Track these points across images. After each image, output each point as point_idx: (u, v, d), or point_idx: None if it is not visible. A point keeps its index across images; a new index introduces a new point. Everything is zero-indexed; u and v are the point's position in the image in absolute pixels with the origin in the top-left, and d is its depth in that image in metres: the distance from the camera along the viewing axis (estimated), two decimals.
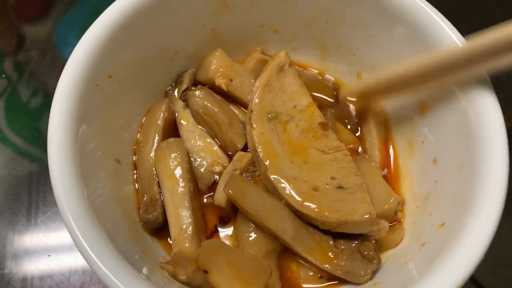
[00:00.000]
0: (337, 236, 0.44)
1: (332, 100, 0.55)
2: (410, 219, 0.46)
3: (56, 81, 0.67)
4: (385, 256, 0.45)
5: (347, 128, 0.53)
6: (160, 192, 0.46)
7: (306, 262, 0.44)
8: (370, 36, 0.51)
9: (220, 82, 0.50)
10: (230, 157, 0.48)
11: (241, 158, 0.46)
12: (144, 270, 0.38)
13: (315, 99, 0.51)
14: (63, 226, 0.55)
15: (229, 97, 0.52)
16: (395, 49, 0.49)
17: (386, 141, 0.52)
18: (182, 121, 0.50)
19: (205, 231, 0.46)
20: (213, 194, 0.47)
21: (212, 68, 0.51)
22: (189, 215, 0.43)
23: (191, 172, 0.47)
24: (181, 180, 0.45)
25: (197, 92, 0.49)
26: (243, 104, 0.52)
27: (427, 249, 0.40)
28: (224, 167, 0.47)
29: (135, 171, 0.49)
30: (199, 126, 0.50)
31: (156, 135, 0.49)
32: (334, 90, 0.55)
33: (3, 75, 0.67)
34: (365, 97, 0.52)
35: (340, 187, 0.43)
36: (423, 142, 0.48)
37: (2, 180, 0.59)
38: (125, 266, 0.35)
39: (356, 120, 0.54)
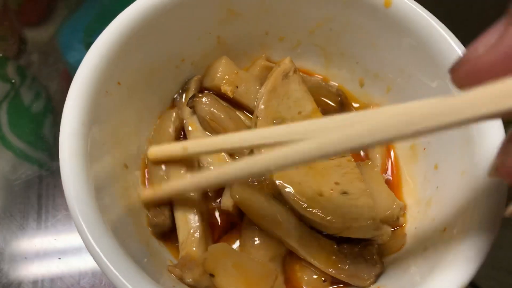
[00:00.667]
0: (341, 240, 0.44)
1: (334, 105, 0.56)
2: (412, 224, 0.47)
3: (58, 85, 0.69)
4: (388, 260, 0.45)
5: None
6: None
7: (310, 266, 0.44)
8: (373, 45, 0.52)
9: (226, 89, 0.51)
10: None
11: None
12: (153, 273, 0.38)
13: (319, 104, 0.52)
14: (73, 229, 0.56)
15: (234, 104, 0.53)
16: (398, 58, 0.50)
17: (387, 146, 0.53)
18: (189, 128, 0.51)
19: (212, 235, 0.47)
20: (220, 199, 0.47)
21: (218, 75, 0.52)
22: (197, 219, 0.44)
23: None
24: None
25: (204, 99, 0.50)
26: (248, 110, 0.53)
27: (429, 254, 0.41)
28: None
29: (146, 177, 0.49)
30: (206, 132, 0.51)
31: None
32: (338, 95, 0.56)
33: (6, 79, 0.68)
34: None
35: (344, 193, 0.44)
36: (424, 148, 0.49)
37: (11, 184, 0.60)
38: (135, 269, 0.35)
39: None
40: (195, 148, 0.44)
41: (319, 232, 0.44)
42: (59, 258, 0.55)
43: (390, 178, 0.52)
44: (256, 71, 0.55)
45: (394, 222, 0.47)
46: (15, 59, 0.70)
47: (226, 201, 0.45)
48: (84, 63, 0.42)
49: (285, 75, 0.50)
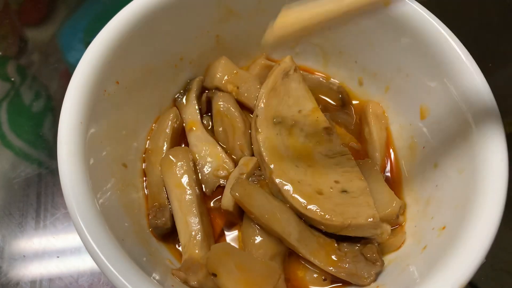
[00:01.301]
0: (341, 239, 0.44)
1: (335, 104, 0.56)
2: (411, 223, 0.47)
3: (58, 85, 0.69)
4: (387, 259, 0.45)
5: (348, 132, 0.54)
6: (168, 198, 0.47)
7: (310, 265, 0.44)
8: (371, 44, 0.52)
9: (232, 88, 0.51)
10: (235, 163, 0.49)
11: (247, 163, 0.47)
12: (152, 272, 0.38)
13: (319, 102, 0.52)
14: (72, 228, 0.56)
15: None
16: (396, 57, 0.50)
17: (387, 145, 0.53)
18: (193, 128, 0.51)
19: (213, 235, 0.47)
20: (219, 199, 0.47)
21: (218, 76, 0.52)
22: (198, 221, 0.44)
23: (198, 179, 0.48)
24: (188, 187, 0.46)
25: (222, 94, 0.51)
26: (249, 110, 0.53)
27: (428, 252, 0.41)
28: (229, 172, 0.48)
29: (144, 178, 0.50)
30: (207, 133, 0.51)
31: (165, 143, 0.50)
32: (339, 93, 0.56)
33: (6, 79, 0.68)
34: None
35: (344, 191, 0.44)
36: (423, 147, 0.49)
37: (11, 182, 0.60)
38: (134, 268, 0.35)
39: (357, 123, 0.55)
40: None
41: (319, 230, 0.44)
42: (58, 257, 0.55)
43: (390, 176, 0.52)
44: (256, 70, 0.55)
45: (394, 220, 0.47)
46: (16, 59, 0.70)
47: (227, 201, 0.45)
48: (82, 62, 0.42)
49: (286, 74, 0.50)
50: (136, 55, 0.47)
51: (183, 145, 0.52)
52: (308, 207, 0.43)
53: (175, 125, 0.51)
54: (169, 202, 0.46)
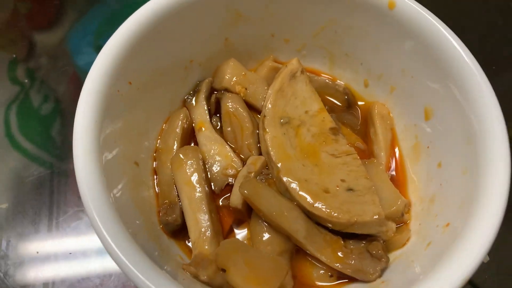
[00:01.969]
0: (347, 236, 0.45)
1: (341, 104, 0.57)
2: (416, 221, 0.48)
3: (66, 88, 0.70)
4: (392, 256, 0.46)
5: (354, 132, 0.55)
6: (178, 196, 0.48)
7: (317, 261, 0.45)
8: (377, 46, 0.53)
9: (240, 89, 0.52)
10: (243, 162, 0.50)
11: (255, 162, 0.48)
12: (164, 266, 0.39)
13: (326, 103, 0.53)
14: (83, 225, 0.58)
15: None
16: (401, 59, 0.51)
17: (392, 145, 0.54)
18: (202, 128, 0.52)
19: (222, 232, 0.48)
20: (227, 196, 0.48)
21: (226, 77, 0.54)
22: (207, 218, 0.45)
23: (207, 177, 0.49)
24: (197, 185, 0.47)
25: (231, 94, 0.53)
26: (256, 110, 0.54)
27: (432, 249, 0.42)
28: (238, 170, 0.49)
29: (155, 176, 0.51)
30: (216, 133, 0.52)
31: (175, 143, 0.51)
32: (345, 94, 0.57)
33: (16, 82, 0.69)
34: None
35: (350, 189, 0.45)
36: (428, 147, 0.50)
37: (24, 181, 0.61)
38: (147, 262, 0.36)
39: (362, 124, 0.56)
40: None
41: (325, 228, 0.45)
42: (70, 253, 0.56)
43: (395, 175, 0.53)
44: (263, 72, 0.57)
45: (399, 218, 0.48)
46: (25, 62, 0.72)
47: (236, 199, 0.46)
48: (97, 63, 0.43)
49: (293, 76, 0.52)
50: (148, 57, 0.48)
51: (192, 145, 0.53)
52: (315, 205, 0.44)
53: (185, 125, 0.52)
54: (179, 199, 0.48)
